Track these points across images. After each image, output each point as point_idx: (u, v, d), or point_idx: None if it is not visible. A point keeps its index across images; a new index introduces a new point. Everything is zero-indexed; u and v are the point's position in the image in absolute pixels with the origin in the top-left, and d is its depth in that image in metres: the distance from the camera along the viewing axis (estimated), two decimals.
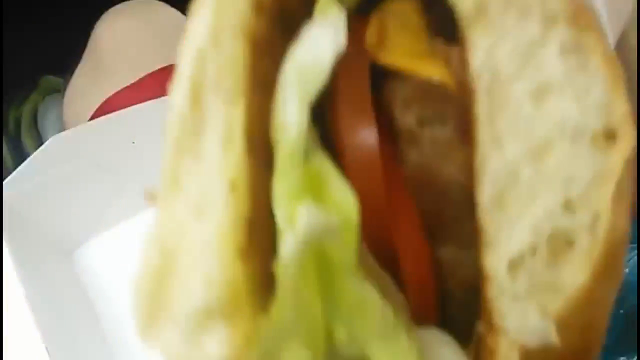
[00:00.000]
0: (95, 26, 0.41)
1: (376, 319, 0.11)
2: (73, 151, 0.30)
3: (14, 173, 0.29)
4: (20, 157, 0.67)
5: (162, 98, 0.31)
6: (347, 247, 0.11)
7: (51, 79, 0.68)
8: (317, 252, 0.11)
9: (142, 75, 0.39)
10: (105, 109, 0.38)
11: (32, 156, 0.29)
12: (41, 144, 0.72)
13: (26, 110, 0.69)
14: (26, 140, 0.68)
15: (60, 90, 0.69)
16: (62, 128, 0.66)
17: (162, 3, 0.42)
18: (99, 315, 0.31)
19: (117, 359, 0.30)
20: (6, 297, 0.27)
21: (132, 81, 0.39)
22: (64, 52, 0.70)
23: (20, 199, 0.30)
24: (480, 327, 0.13)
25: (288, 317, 0.11)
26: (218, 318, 0.11)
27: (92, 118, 0.39)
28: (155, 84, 0.39)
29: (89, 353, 0.29)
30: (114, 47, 0.39)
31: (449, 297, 0.13)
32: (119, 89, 0.38)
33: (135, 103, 0.38)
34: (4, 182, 0.29)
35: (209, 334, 0.11)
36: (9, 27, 0.66)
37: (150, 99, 0.38)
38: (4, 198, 0.29)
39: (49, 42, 0.69)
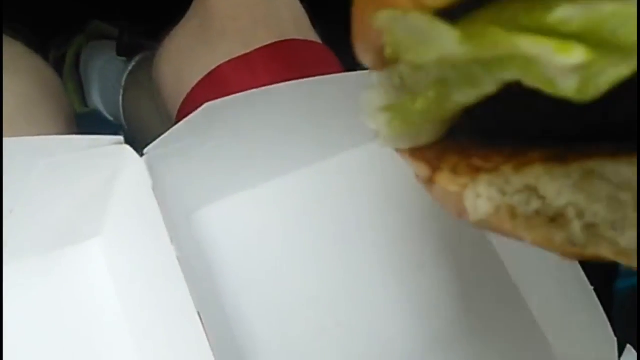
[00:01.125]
0: None
1: None
2: (218, 120, 0.30)
3: (160, 138, 0.30)
4: None
5: (307, 80, 0.32)
6: None
7: (100, 25, 0.67)
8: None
9: (253, 47, 0.39)
10: (214, 76, 0.38)
11: (181, 122, 0.29)
12: (82, 88, 0.71)
13: (70, 53, 0.67)
14: (67, 83, 0.67)
15: (107, 38, 0.67)
16: (107, 75, 0.65)
17: None
18: (217, 280, 0.32)
19: (232, 322, 0.32)
20: (159, 252, 0.28)
21: (244, 52, 0.39)
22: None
23: (159, 161, 0.30)
24: None
25: None
26: None
27: (200, 83, 0.39)
28: (266, 58, 0.39)
29: (209, 310, 0.30)
30: (229, 14, 0.39)
31: None
32: (230, 58, 0.38)
33: (245, 74, 0.39)
34: (151, 145, 0.30)
35: None
36: None
37: (259, 72, 0.39)
38: (147, 159, 0.30)
39: None
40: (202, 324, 0.26)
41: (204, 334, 0.25)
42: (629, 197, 0.13)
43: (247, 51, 0.38)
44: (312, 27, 0.43)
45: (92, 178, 0.30)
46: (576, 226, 0.14)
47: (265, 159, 0.34)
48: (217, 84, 0.38)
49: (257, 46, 0.38)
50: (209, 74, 0.38)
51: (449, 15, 0.13)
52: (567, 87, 0.12)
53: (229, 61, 0.38)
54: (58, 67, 0.67)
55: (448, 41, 0.13)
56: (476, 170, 0.15)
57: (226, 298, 0.32)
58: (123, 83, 0.60)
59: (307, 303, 0.33)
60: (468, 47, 0.13)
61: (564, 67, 0.11)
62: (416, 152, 0.17)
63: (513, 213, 0.15)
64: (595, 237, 0.14)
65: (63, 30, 0.67)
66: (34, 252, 0.31)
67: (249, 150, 0.33)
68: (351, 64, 0.40)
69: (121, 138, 0.29)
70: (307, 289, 0.34)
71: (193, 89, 0.39)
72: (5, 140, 0.28)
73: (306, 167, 0.36)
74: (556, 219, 0.14)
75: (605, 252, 0.14)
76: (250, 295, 0.32)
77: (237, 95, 0.30)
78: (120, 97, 0.59)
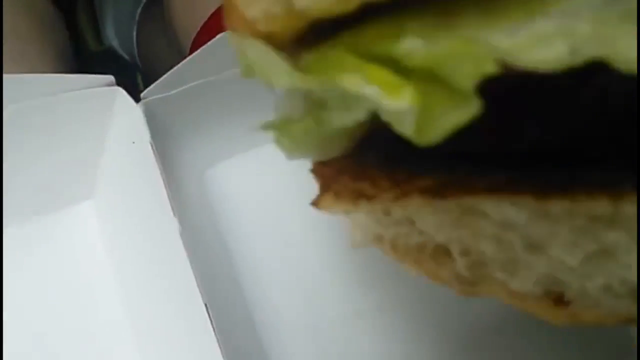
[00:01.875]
0: None
1: None
2: (232, 56, 0.24)
3: (160, 79, 0.24)
4: (75, 33, 0.60)
5: None
6: None
7: None
8: None
9: None
10: (212, 20, 0.32)
11: (186, 60, 0.23)
12: (96, 22, 0.65)
13: None
14: (81, 16, 0.62)
15: None
16: (121, 8, 0.59)
17: None
18: (225, 236, 0.27)
19: (240, 279, 0.27)
20: (159, 222, 0.23)
21: None
22: None
23: (160, 107, 0.24)
24: None
25: None
26: None
27: (215, 13, 0.33)
28: None
29: (216, 268, 0.25)
30: None
31: None
32: None
33: None
34: (147, 90, 0.24)
35: None
36: None
37: None
38: (145, 105, 0.24)
39: None
40: (207, 310, 0.21)
41: (208, 321, 0.20)
42: (516, 238, 0.12)
43: None
44: None
45: (79, 127, 0.24)
46: (461, 264, 0.13)
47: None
48: None
49: None
50: (211, 16, 0.32)
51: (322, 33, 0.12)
52: (405, 129, 0.11)
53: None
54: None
55: (282, 73, 0.12)
56: (358, 197, 0.14)
57: (242, 275, 0.27)
58: (137, 17, 0.54)
59: (337, 282, 0.28)
60: (305, 79, 0.12)
61: (392, 110, 0.11)
62: (317, 168, 0.15)
63: (394, 245, 0.14)
64: (485, 277, 0.13)
65: None
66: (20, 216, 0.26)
67: (270, 93, 0.27)
68: None
69: (112, 78, 0.24)
70: (334, 265, 0.28)
71: (208, 20, 0.32)
72: None
73: None
74: (440, 254, 0.14)
75: (498, 293, 0.13)
76: (270, 271, 0.27)
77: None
78: (134, 32, 0.53)
